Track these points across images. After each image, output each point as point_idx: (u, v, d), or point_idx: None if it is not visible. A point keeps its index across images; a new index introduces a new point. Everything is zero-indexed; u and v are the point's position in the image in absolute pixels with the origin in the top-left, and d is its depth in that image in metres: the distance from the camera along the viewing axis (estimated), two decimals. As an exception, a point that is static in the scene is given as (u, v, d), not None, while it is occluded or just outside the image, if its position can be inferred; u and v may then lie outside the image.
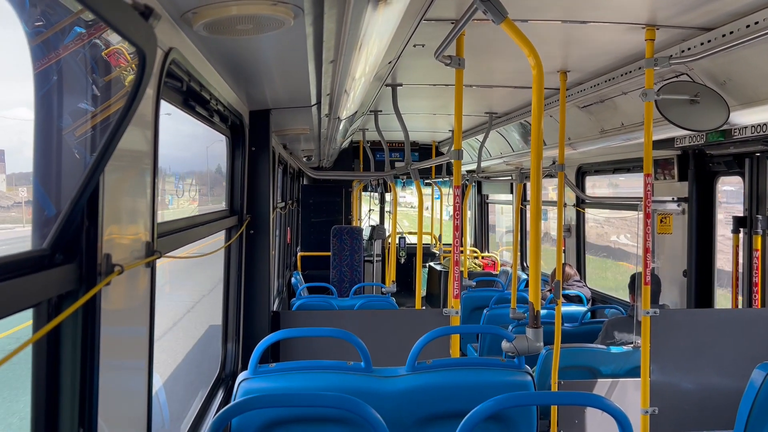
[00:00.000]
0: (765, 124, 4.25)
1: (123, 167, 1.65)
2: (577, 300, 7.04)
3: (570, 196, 8.24)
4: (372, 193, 14.66)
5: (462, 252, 4.09)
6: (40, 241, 1.32)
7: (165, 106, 2.25)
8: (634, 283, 5.74)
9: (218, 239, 3.79)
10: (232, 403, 2.08)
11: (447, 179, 12.31)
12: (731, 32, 3.56)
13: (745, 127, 4.46)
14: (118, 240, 1.56)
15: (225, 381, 3.83)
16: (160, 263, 1.97)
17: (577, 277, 7.69)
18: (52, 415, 1.38)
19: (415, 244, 6.35)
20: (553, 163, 5.34)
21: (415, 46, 4.19)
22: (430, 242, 13.24)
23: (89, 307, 1.41)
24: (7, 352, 1.08)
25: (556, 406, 4.72)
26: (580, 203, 8.25)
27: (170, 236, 2.31)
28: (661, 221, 6.09)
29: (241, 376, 2.91)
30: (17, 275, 1.15)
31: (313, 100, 3.88)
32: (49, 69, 1.45)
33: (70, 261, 1.36)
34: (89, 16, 1.48)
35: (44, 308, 1.30)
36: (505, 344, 3.07)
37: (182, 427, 3.19)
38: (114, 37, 1.55)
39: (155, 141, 1.85)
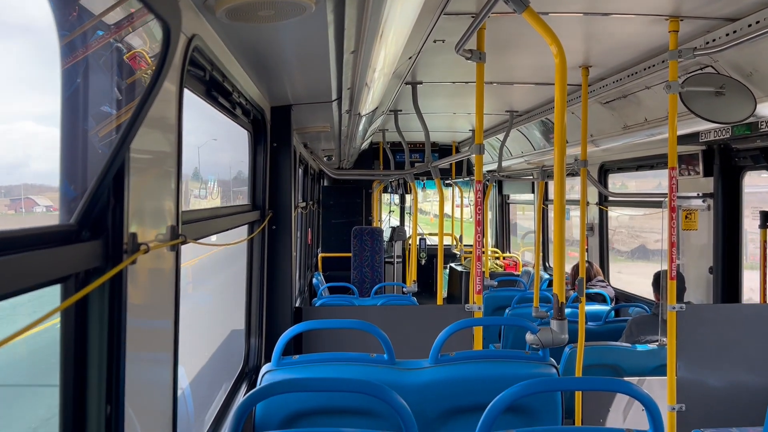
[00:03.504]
0: (793, 116, 4.18)
1: (148, 150, 1.66)
2: (600, 299, 6.98)
3: (593, 195, 8.17)
4: (392, 195, 14.66)
5: (483, 249, 4.07)
6: (67, 217, 1.33)
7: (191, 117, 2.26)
8: (657, 281, 5.66)
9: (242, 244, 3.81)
10: (255, 388, 2.08)
11: (468, 179, 12.27)
12: (757, 22, 3.50)
13: (773, 120, 4.38)
14: (143, 221, 1.57)
15: (248, 375, 3.84)
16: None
17: (601, 276, 7.62)
18: (80, 391, 1.39)
19: (436, 245, 6.34)
20: (576, 160, 5.29)
21: (435, 41, 4.18)
22: (451, 243, 13.20)
23: (115, 284, 1.42)
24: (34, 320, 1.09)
25: (581, 404, 4.67)
26: (603, 201, 8.17)
27: (195, 224, 2.33)
28: (687, 217, 6.01)
29: (264, 368, 2.92)
30: (44, 247, 1.16)
31: (334, 95, 3.89)
32: (73, 69, 1.47)
33: (96, 237, 1.37)
34: (111, 19, 1.50)
35: (71, 283, 1.32)
36: (529, 336, 3.04)
37: (206, 419, 3.21)
38: (136, 41, 1.57)
39: (179, 126, 1.86)
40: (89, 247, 1.33)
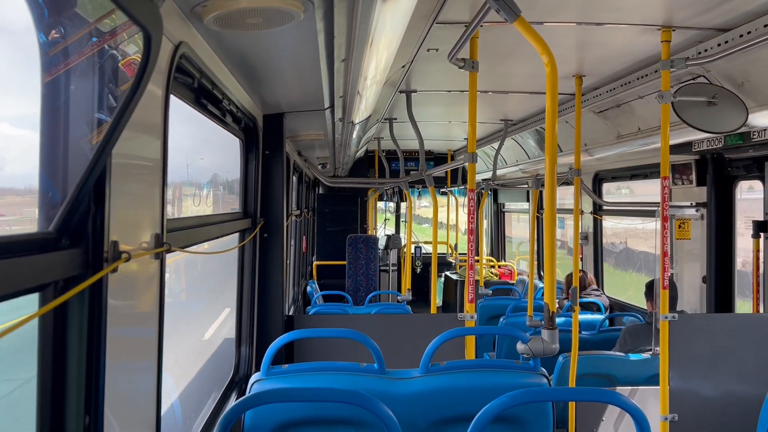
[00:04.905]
0: (785, 126, 4.19)
1: (132, 158, 1.65)
2: (594, 308, 6.97)
3: (587, 204, 8.18)
4: (388, 203, 14.66)
5: (477, 258, 4.07)
6: (46, 225, 1.32)
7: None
8: (650, 290, 5.64)
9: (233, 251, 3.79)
10: (243, 397, 2.06)
11: (463, 188, 12.28)
12: (749, 32, 3.52)
13: (765, 129, 4.39)
14: (126, 229, 1.56)
15: (238, 384, 3.82)
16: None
17: (595, 285, 7.62)
18: (58, 401, 1.37)
19: (431, 253, 6.33)
20: (570, 169, 5.29)
21: (428, 50, 4.18)
22: (446, 252, 13.19)
23: (95, 292, 1.41)
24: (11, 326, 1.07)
25: (573, 414, 4.65)
26: (597, 210, 8.18)
27: (180, 232, 2.32)
28: (680, 226, 6.01)
29: (253, 377, 2.90)
30: (21, 255, 1.15)
31: (327, 103, 3.89)
32: (61, 77, 1.47)
33: (76, 245, 1.36)
34: (105, 27, 1.49)
35: (50, 292, 1.30)
36: (520, 346, 3.02)
37: (194, 428, 3.18)
38: (130, 48, 1.56)
39: (165, 133, 1.85)
40: (68, 255, 1.32)
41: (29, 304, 1.30)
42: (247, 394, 2.82)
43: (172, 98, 1.97)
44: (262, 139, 4.05)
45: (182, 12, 1.97)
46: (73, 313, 1.39)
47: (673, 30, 3.73)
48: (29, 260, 1.18)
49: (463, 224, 13.28)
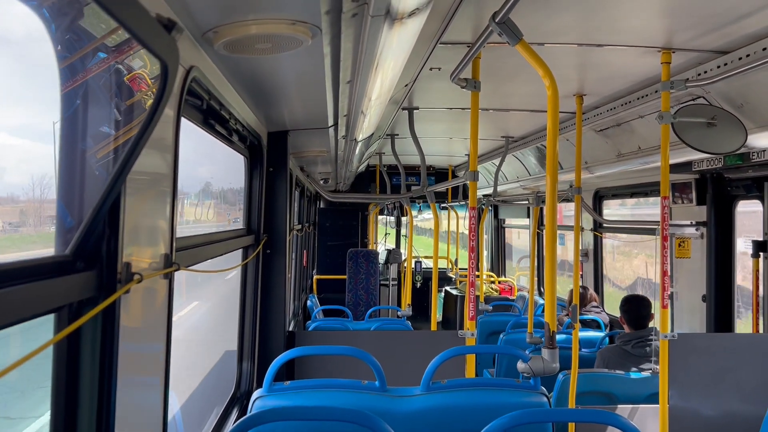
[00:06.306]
0: (784, 148, 4.23)
1: (144, 180, 1.69)
2: (594, 325, 6.97)
3: (587, 221, 8.21)
4: (388, 218, 14.69)
5: (478, 274, 4.08)
6: (63, 248, 1.35)
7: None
8: (622, 308, 5.52)
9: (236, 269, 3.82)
10: (246, 415, 2.08)
11: (463, 203, 12.31)
12: (747, 55, 3.56)
13: (764, 150, 4.43)
14: (137, 250, 1.59)
15: (240, 400, 3.83)
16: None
17: (596, 302, 7.63)
18: (71, 420, 1.40)
19: (431, 268, 6.36)
20: (570, 186, 5.33)
21: (431, 69, 4.24)
22: (446, 267, 13.21)
23: (108, 314, 1.44)
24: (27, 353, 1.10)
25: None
26: (598, 227, 8.21)
27: (188, 251, 2.35)
28: (680, 245, 6.04)
29: (255, 394, 2.92)
30: (39, 279, 1.18)
31: (330, 122, 3.93)
32: (73, 92, 1.50)
33: (90, 268, 1.39)
34: (112, 42, 1.53)
35: (65, 313, 1.33)
36: (520, 365, 3.05)
37: (196, 444, 3.20)
38: (136, 63, 1.60)
39: (175, 156, 1.89)
40: (83, 278, 1.35)
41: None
42: (249, 411, 2.84)
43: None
44: (267, 156, 4.09)
45: (194, 37, 2.02)
46: (86, 335, 1.42)
47: (673, 52, 3.78)
48: (46, 284, 1.21)
49: (464, 238, 13.30)
